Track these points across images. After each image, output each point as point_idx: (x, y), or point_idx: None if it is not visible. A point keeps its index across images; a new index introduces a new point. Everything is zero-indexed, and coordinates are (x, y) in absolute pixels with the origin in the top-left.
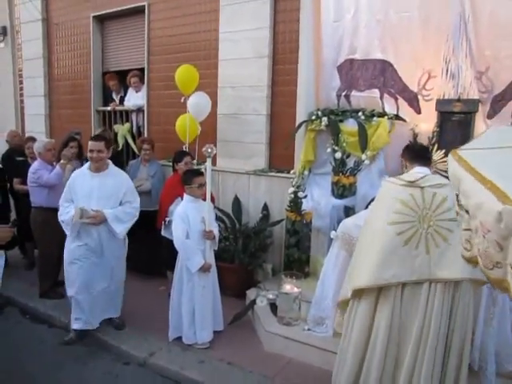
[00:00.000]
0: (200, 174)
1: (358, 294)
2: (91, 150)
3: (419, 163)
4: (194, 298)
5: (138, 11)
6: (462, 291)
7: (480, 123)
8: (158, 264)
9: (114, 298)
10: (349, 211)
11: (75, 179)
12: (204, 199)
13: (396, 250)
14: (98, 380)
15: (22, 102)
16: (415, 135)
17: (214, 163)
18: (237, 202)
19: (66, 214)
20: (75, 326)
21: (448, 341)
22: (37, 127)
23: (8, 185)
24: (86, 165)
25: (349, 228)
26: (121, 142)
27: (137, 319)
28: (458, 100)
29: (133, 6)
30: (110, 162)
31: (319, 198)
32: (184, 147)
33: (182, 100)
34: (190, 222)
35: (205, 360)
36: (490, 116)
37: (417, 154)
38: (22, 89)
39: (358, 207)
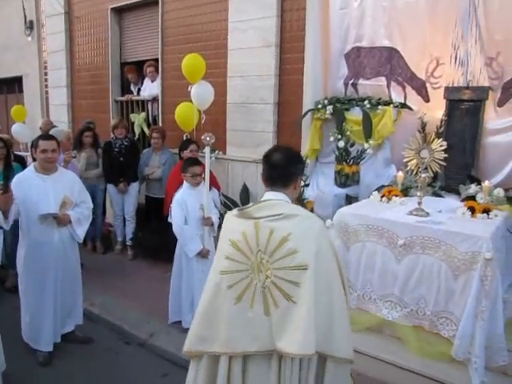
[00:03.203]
0: (196, 163)
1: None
2: (45, 150)
3: (270, 186)
4: (192, 283)
5: (153, 2)
6: (307, 365)
7: (490, 111)
8: (165, 249)
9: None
10: (351, 200)
11: (21, 181)
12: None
13: (224, 309)
14: (99, 356)
15: (46, 92)
16: (423, 124)
17: (224, 152)
18: (245, 190)
19: None
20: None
21: None
22: (61, 117)
23: None
24: (31, 168)
25: (345, 217)
26: (137, 131)
27: (141, 302)
28: (467, 87)
29: None
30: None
31: (324, 187)
32: (185, 136)
33: (189, 89)
34: (188, 209)
35: None
36: (500, 103)
37: (268, 173)
38: (46, 80)
39: (361, 196)
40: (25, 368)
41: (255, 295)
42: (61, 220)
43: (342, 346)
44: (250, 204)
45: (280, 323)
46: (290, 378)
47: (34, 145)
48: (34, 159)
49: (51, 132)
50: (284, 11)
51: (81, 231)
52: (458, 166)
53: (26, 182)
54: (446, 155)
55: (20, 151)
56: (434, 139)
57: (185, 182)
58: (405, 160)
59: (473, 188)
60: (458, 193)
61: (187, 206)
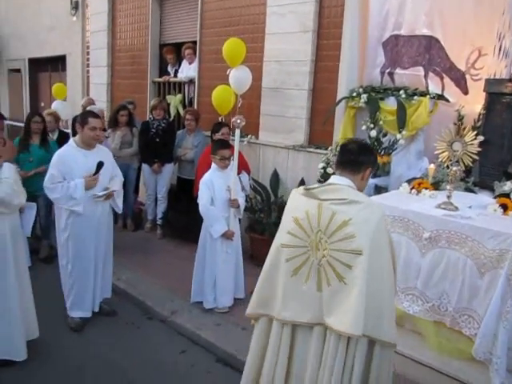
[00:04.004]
0: (226, 146)
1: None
2: (94, 128)
3: (340, 170)
4: (216, 264)
5: None
6: (355, 345)
7: None
8: (194, 230)
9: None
10: (380, 191)
11: (65, 157)
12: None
13: (282, 279)
14: (120, 328)
15: (88, 72)
16: (460, 117)
17: (256, 136)
18: (275, 176)
19: (69, 189)
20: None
21: None
22: (100, 96)
23: None
24: (71, 142)
25: None
26: (173, 112)
27: (166, 280)
28: (510, 80)
29: None
30: None
31: None
32: (220, 119)
33: (228, 72)
34: (215, 190)
35: (221, 323)
36: None
37: (340, 158)
38: (88, 59)
39: (391, 187)
40: (55, 336)
41: (311, 271)
42: (109, 195)
43: (389, 332)
44: (316, 185)
45: (330, 300)
46: (334, 354)
47: (82, 121)
48: (74, 134)
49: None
50: None
51: (120, 203)
52: (495, 161)
53: (70, 158)
54: (479, 149)
55: (60, 128)
56: (468, 132)
57: (213, 163)
58: (436, 152)
59: (508, 185)
60: (492, 189)
61: (214, 187)
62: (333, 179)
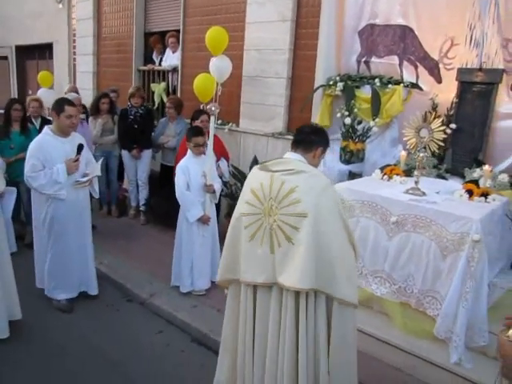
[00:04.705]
0: (199, 133)
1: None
2: (71, 116)
3: (294, 148)
4: (193, 248)
5: None
6: (313, 302)
7: (503, 95)
8: (176, 216)
9: None
10: (354, 177)
11: (44, 145)
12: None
13: (242, 245)
14: (101, 310)
15: (74, 60)
16: (434, 105)
17: (237, 124)
18: (255, 163)
19: (53, 174)
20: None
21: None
22: (86, 84)
23: None
24: (47, 130)
25: (341, 192)
26: (157, 100)
27: (147, 264)
28: (480, 69)
29: None
30: None
31: (332, 164)
32: (201, 106)
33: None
34: (190, 175)
35: (197, 305)
36: None
37: (295, 137)
38: (74, 47)
39: (366, 174)
40: (38, 317)
41: (264, 235)
42: (90, 181)
43: (344, 290)
44: (271, 159)
45: (281, 261)
46: (291, 312)
47: (57, 109)
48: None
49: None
50: None
51: (97, 188)
52: (466, 149)
53: (48, 145)
54: (445, 136)
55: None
56: (434, 118)
57: (188, 150)
58: (404, 139)
59: (477, 172)
60: (463, 176)
61: (190, 172)
62: (286, 154)
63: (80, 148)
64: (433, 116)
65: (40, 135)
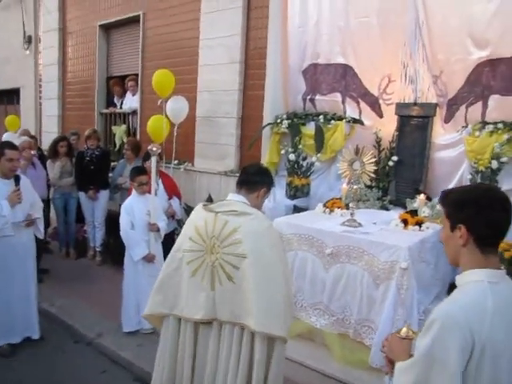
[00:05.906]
0: (142, 173)
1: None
2: (11, 159)
3: (238, 188)
4: (138, 287)
5: (136, 20)
6: (253, 341)
7: (438, 127)
8: None
9: None
10: (300, 211)
11: None
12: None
13: (184, 281)
14: (45, 353)
15: (40, 104)
16: (378, 139)
17: (192, 163)
18: (209, 201)
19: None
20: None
21: None
22: (52, 127)
23: None
24: None
25: (280, 226)
26: (118, 142)
27: (99, 304)
28: (415, 104)
29: (131, 15)
30: None
31: (280, 198)
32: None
33: (159, 103)
34: (135, 214)
35: (143, 344)
36: (446, 120)
37: (239, 178)
38: (41, 92)
39: (311, 208)
40: None
41: (206, 272)
42: (31, 222)
43: (280, 327)
44: (214, 202)
45: (221, 298)
46: (229, 345)
47: None
48: None
49: (17, 141)
50: (249, 29)
51: (42, 228)
52: (408, 180)
53: None
54: (375, 167)
55: None
56: (364, 152)
57: (133, 189)
58: (339, 171)
59: (417, 202)
60: (405, 207)
61: (134, 211)
62: (229, 196)
63: (17, 179)
64: (363, 149)
65: None
